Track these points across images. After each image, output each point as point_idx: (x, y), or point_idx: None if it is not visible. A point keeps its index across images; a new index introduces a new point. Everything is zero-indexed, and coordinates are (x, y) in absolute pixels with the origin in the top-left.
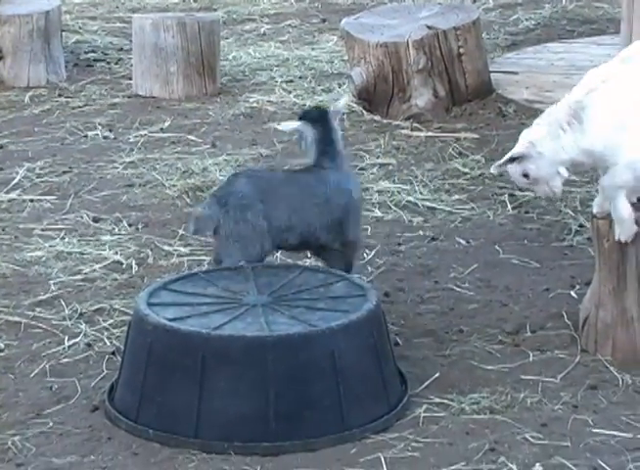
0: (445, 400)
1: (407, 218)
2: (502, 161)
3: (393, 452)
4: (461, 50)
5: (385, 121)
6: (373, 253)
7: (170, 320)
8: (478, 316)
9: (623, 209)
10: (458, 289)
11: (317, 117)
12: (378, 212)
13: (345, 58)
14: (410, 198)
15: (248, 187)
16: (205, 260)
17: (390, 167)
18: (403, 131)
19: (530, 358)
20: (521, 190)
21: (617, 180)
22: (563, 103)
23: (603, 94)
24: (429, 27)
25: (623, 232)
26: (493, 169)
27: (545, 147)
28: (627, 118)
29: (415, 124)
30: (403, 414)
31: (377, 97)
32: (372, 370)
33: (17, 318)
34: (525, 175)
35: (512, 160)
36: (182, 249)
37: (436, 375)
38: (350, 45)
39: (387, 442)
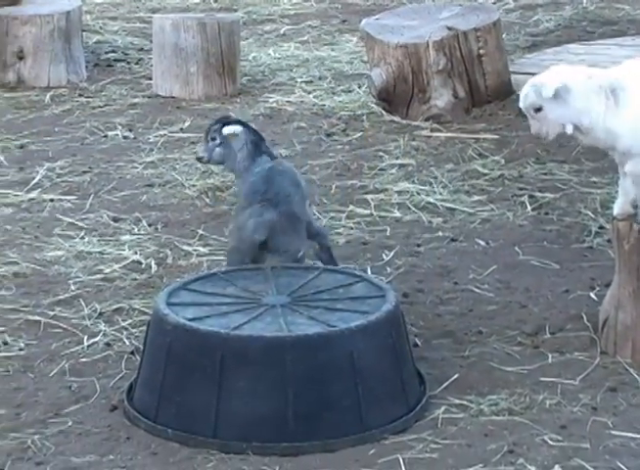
0: (464, 402)
1: (427, 219)
2: (535, 81)
3: (412, 453)
4: (481, 51)
5: (404, 122)
6: (392, 253)
7: (190, 320)
8: (497, 318)
9: None
10: (477, 290)
11: (247, 123)
12: (397, 213)
13: (365, 59)
14: (429, 199)
15: (287, 184)
16: (224, 260)
17: (410, 168)
18: (423, 132)
19: (550, 360)
20: (540, 191)
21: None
22: (607, 73)
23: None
24: (449, 28)
25: None
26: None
27: (575, 101)
28: None
29: (435, 125)
30: (422, 415)
31: (396, 98)
32: (391, 371)
33: (36, 318)
34: (538, 109)
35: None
36: (201, 249)
37: (455, 376)
38: (370, 46)
39: (405, 443)
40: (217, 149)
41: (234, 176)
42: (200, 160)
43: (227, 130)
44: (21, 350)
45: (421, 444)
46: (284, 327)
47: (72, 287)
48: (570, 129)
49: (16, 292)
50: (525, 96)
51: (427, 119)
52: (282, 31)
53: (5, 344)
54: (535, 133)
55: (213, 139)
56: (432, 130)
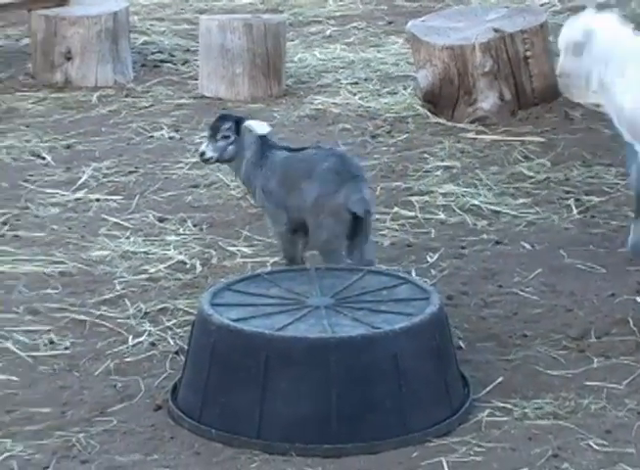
0: (508, 405)
1: (471, 222)
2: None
3: (456, 457)
4: (527, 53)
5: (449, 124)
6: (437, 256)
7: (234, 321)
8: (542, 321)
9: None
10: (522, 293)
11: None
12: (442, 216)
13: (411, 60)
14: (474, 201)
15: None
16: (268, 261)
17: (455, 170)
18: (468, 134)
19: (595, 364)
20: (586, 194)
21: None
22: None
23: None
24: (495, 30)
25: None
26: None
27: (613, 55)
28: None
29: (480, 127)
30: (466, 418)
31: (442, 100)
32: (434, 373)
33: (82, 317)
34: (576, 49)
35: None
36: (246, 249)
37: (500, 380)
38: (416, 48)
39: (449, 446)
40: (230, 147)
41: (235, 173)
42: (207, 160)
43: (254, 125)
44: (66, 349)
45: (464, 447)
46: (327, 328)
47: (118, 287)
48: (594, 84)
49: (62, 291)
50: (570, 32)
51: (472, 122)
52: (328, 33)
53: (51, 343)
54: (561, 73)
55: (226, 137)
56: (477, 133)
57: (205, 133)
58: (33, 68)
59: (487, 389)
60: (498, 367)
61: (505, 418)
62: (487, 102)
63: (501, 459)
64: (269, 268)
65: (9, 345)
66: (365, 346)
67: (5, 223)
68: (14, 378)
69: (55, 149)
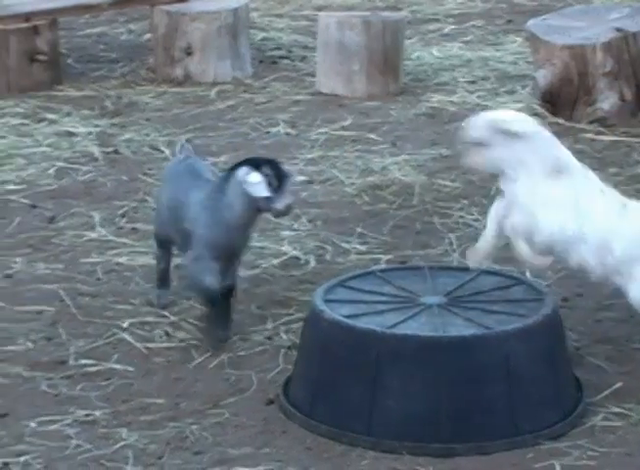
0: (623, 410)
1: None
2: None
3: (568, 460)
4: None
5: (568, 124)
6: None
7: (345, 317)
8: None
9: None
10: None
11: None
12: None
13: (530, 59)
14: None
15: None
16: (381, 259)
17: None
18: (587, 135)
19: None
20: None
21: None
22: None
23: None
24: (618, 30)
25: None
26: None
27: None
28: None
29: (599, 128)
30: (579, 422)
31: (561, 100)
32: (547, 376)
33: (197, 310)
34: (482, 143)
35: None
36: (359, 246)
37: (615, 384)
38: (536, 47)
39: (561, 449)
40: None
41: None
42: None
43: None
44: (181, 341)
45: (577, 451)
46: (439, 327)
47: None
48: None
49: (178, 284)
50: (478, 127)
51: (591, 122)
52: (446, 31)
53: (166, 335)
54: (467, 166)
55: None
56: (596, 133)
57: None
58: (154, 62)
59: (602, 393)
60: (614, 371)
61: (620, 423)
62: (607, 102)
63: (615, 465)
64: (382, 266)
65: (125, 335)
66: (476, 346)
67: (123, 216)
68: (129, 368)
69: (173, 143)
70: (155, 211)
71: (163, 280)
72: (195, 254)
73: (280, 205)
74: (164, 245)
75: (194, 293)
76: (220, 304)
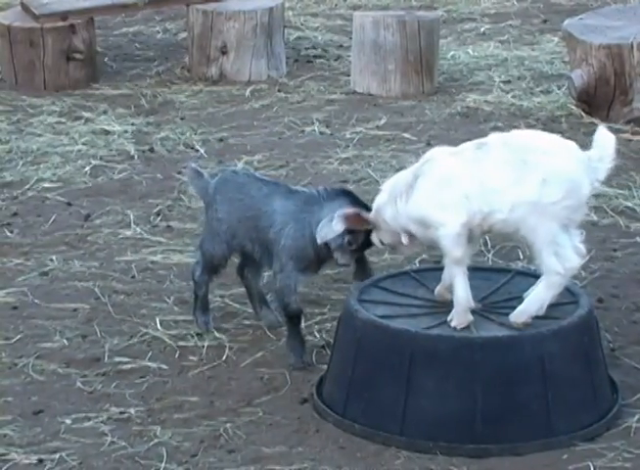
0: None
1: (624, 224)
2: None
3: (603, 462)
4: None
5: (604, 124)
6: (587, 258)
7: (380, 317)
8: None
9: (461, 289)
10: None
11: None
12: (594, 217)
13: (566, 59)
14: (628, 203)
15: None
16: (415, 259)
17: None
18: (623, 135)
19: None
20: None
21: (446, 254)
22: (408, 169)
23: (438, 165)
24: None
25: (457, 317)
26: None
27: (387, 214)
28: (449, 196)
29: (636, 128)
30: (614, 423)
31: (597, 99)
32: (582, 377)
33: (231, 309)
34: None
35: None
36: None
37: None
38: (572, 46)
39: (596, 450)
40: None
41: None
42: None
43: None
44: (215, 339)
45: (613, 452)
46: (474, 332)
47: (266, 279)
48: (405, 239)
49: (213, 283)
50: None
51: (627, 122)
52: (482, 30)
53: (200, 333)
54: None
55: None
56: (632, 133)
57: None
58: (190, 61)
59: (638, 395)
60: None
61: None
62: None
63: None
64: (417, 266)
65: (159, 334)
66: (511, 346)
67: (158, 214)
68: (164, 366)
69: (208, 142)
70: (207, 233)
71: (206, 305)
72: (279, 266)
73: (345, 260)
74: (215, 270)
75: (280, 309)
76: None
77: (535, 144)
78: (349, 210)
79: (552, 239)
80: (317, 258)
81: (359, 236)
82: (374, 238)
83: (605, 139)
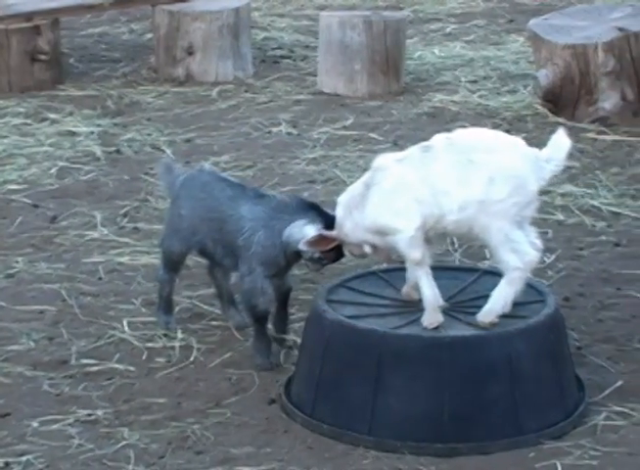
0: (626, 410)
1: (590, 223)
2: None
3: (570, 460)
4: None
5: (570, 124)
6: (554, 257)
7: (348, 317)
8: None
9: (427, 288)
10: None
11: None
12: (560, 216)
13: (532, 59)
14: (594, 202)
15: None
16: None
17: (574, 171)
18: (589, 134)
19: None
20: None
21: (405, 258)
22: (359, 181)
23: (389, 174)
24: (619, 29)
25: (427, 317)
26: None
27: (346, 228)
28: (401, 202)
29: (601, 128)
30: (581, 422)
31: (563, 99)
32: (549, 375)
33: (198, 309)
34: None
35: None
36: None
37: (617, 383)
38: (537, 46)
39: (563, 449)
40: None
41: None
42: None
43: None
44: (182, 340)
45: (579, 450)
46: (442, 331)
47: (233, 280)
48: (368, 249)
49: (179, 283)
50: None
51: (593, 122)
52: (448, 30)
53: (168, 335)
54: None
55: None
56: (598, 133)
57: None
58: (156, 62)
59: (604, 393)
60: (616, 371)
61: (622, 423)
62: (609, 102)
63: (617, 464)
64: (384, 266)
65: (127, 335)
66: (479, 346)
67: (125, 215)
68: (131, 368)
69: (175, 143)
70: (168, 229)
71: (169, 305)
72: (247, 269)
73: (315, 268)
74: (175, 267)
75: (247, 310)
76: (279, 306)
77: (480, 142)
78: (311, 236)
79: (506, 236)
80: (287, 264)
81: (329, 253)
82: (345, 251)
83: (560, 142)
